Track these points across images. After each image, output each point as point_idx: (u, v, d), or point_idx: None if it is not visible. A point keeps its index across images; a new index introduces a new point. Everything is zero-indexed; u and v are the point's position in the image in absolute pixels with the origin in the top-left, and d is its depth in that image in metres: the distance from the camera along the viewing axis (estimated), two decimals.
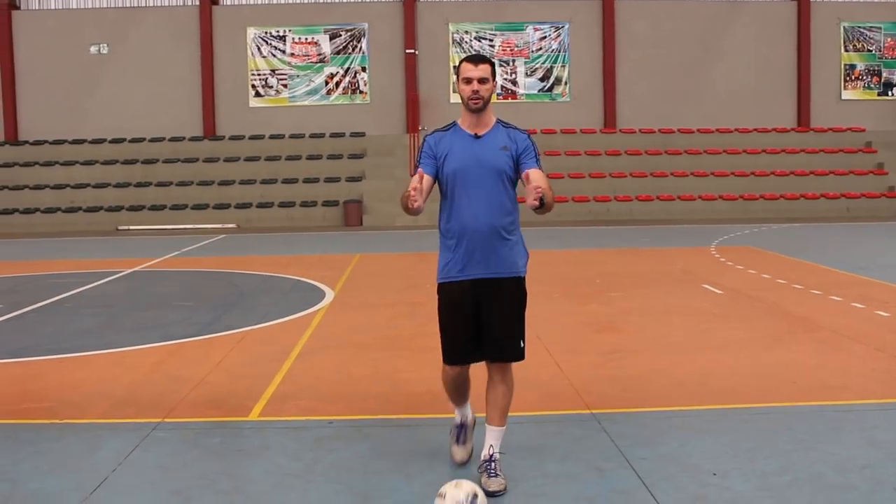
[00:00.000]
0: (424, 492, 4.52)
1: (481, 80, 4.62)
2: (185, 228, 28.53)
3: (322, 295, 11.98)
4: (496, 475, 4.58)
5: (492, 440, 4.69)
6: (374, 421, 5.87)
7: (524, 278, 4.76)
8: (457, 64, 5.09)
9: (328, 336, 9.01)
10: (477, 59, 4.69)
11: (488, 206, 4.62)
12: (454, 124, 4.80)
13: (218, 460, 5.11)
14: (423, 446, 5.24)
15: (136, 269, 16.05)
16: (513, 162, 4.69)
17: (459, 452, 4.97)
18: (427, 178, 4.63)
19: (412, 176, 4.51)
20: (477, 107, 4.65)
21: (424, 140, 4.82)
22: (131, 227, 29.12)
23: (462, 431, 5.01)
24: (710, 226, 25.55)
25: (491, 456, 4.65)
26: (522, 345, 4.74)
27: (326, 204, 30.13)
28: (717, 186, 30.72)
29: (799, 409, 5.97)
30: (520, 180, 4.72)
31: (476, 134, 4.70)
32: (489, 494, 4.38)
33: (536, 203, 4.33)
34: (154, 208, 30.01)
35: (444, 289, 4.75)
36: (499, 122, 4.79)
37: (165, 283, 14.25)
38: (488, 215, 4.62)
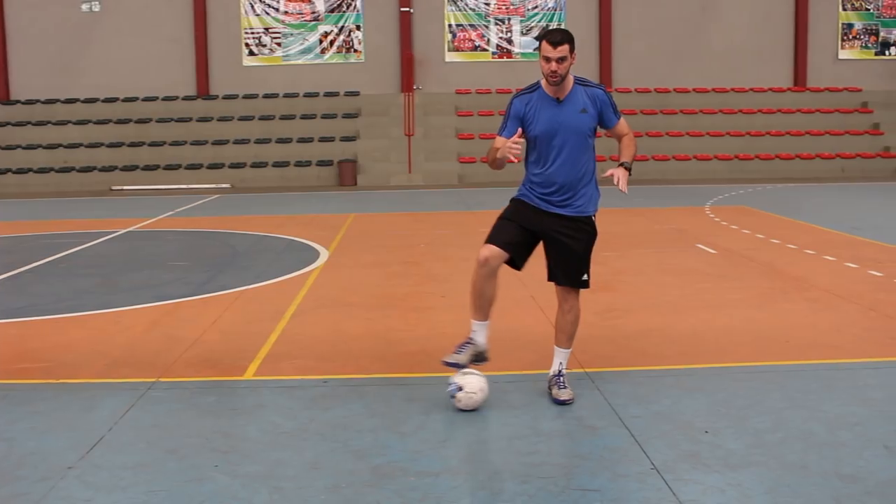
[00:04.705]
0: (419, 449, 4.56)
1: (559, 60, 5.03)
2: (178, 188, 28.40)
3: (316, 255, 11.98)
4: (565, 387, 5.29)
5: (560, 358, 5.41)
6: (369, 380, 5.89)
7: (593, 217, 5.46)
8: (537, 40, 5.44)
9: (323, 296, 9.02)
10: (556, 40, 5.03)
11: (568, 162, 5.24)
12: (538, 86, 5.25)
13: (213, 419, 5.14)
14: (418, 404, 5.27)
15: (130, 229, 16.02)
16: (593, 121, 5.26)
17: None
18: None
19: (500, 137, 5.21)
20: (555, 82, 5.10)
21: (511, 102, 5.30)
22: (125, 188, 28.97)
23: (466, 344, 5.30)
24: (705, 186, 25.52)
25: (559, 372, 5.37)
26: (587, 276, 5.40)
27: (321, 163, 30.00)
28: (712, 146, 30.63)
29: (791, 368, 6.01)
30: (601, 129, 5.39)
31: (558, 98, 5.19)
32: (560, 403, 5.19)
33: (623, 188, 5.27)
34: (148, 168, 29.86)
35: (519, 201, 5.36)
36: (576, 81, 5.23)
37: (160, 244, 14.23)
38: (568, 168, 5.25)
